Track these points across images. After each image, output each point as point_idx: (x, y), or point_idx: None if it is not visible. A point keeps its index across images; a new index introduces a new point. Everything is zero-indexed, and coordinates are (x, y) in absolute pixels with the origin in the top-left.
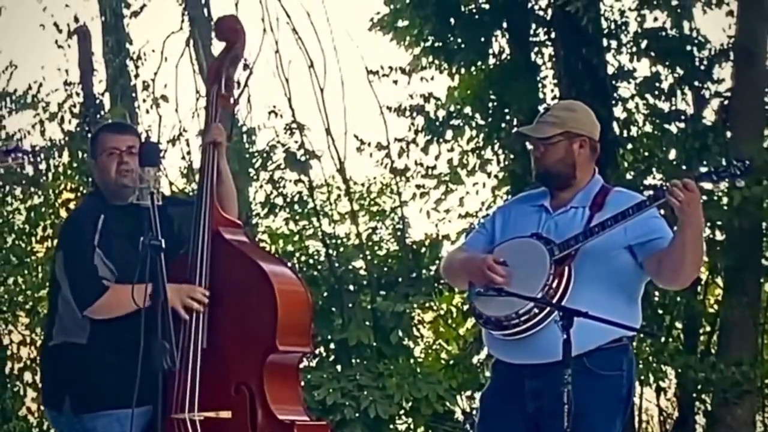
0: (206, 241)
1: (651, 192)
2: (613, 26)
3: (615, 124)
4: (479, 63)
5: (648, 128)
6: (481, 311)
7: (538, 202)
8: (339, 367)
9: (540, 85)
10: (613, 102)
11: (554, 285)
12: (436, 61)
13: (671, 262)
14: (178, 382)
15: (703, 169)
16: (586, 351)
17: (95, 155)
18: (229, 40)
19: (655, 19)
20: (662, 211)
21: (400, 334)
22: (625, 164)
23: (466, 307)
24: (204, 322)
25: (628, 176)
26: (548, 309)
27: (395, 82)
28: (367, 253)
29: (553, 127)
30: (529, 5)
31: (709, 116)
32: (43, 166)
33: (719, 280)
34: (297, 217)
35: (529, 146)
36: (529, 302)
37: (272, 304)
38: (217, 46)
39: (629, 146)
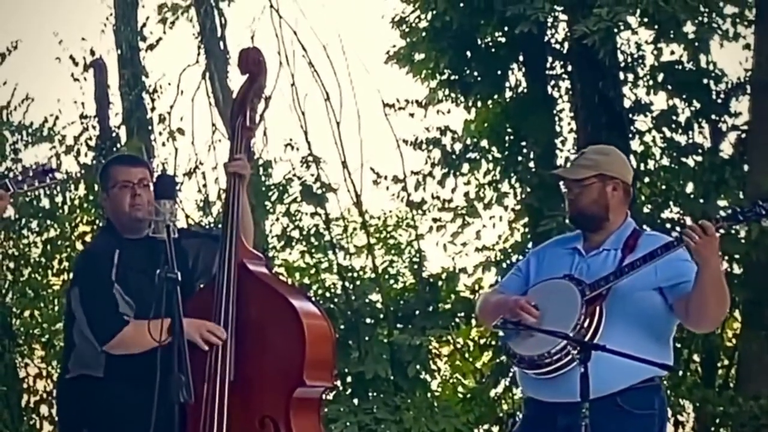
0: (233, 273)
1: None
2: (629, 59)
3: (632, 158)
4: (496, 96)
5: (665, 161)
6: (514, 350)
7: (571, 245)
8: (356, 401)
9: (557, 118)
10: (630, 135)
11: (585, 324)
12: (453, 95)
13: (695, 305)
14: (204, 413)
15: (729, 211)
16: (618, 390)
17: (106, 188)
18: (252, 72)
19: (672, 53)
20: None
21: (417, 367)
22: (642, 197)
23: (483, 341)
24: (231, 353)
25: (645, 210)
26: (581, 347)
27: (411, 115)
28: (384, 286)
29: (587, 169)
30: (546, 38)
31: (726, 149)
32: (59, 199)
33: (737, 314)
34: (313, 250)
35: (563, 188)
36: (561, 341)
37: (301, 340)
38: (234, 79)
39: (646, 179)
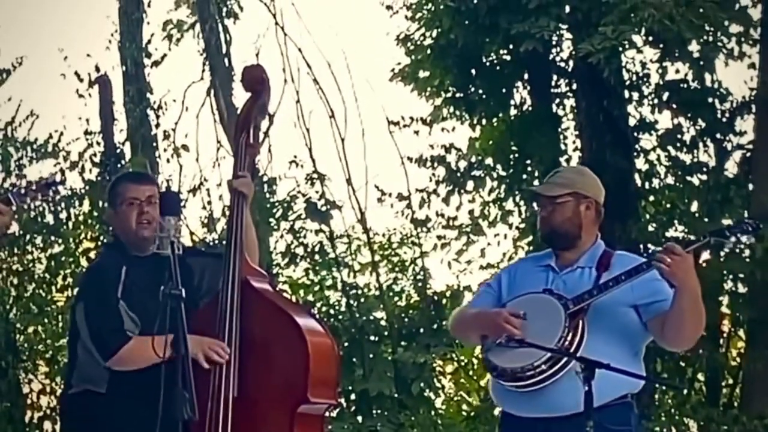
0: (236, 290)
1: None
2: (634, 78)
3: (637, 176)
4: (500, 114)
5: (670, 180)
6: (495, 363)
7: (544, 263)
8: (360, 418)
9: (561, 136)
10: (635, 154)
11: (569, 337)
12: (457, 112)
13: (671, 325)
14: (208, 430)
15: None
16: (597, 406)
17: (114, 205)
18: (255, 89)
19: (677, 71)
20: None
21: (422, 385)
22: (647, 216)
23: None
24: (235, 370)
25: (650, 228)
26: (564, 360)
27: (416, 132)
28: (388, 303)
29: (561, 187)
30: (551, 57)
31: (731, 168)
32: (63, 215)
33: (742, 333)
34: (317, 267)
35: (536, 207)
36: (545, 353)
37: (305, 357)
38: (238, 96)
39: (651, 198)
